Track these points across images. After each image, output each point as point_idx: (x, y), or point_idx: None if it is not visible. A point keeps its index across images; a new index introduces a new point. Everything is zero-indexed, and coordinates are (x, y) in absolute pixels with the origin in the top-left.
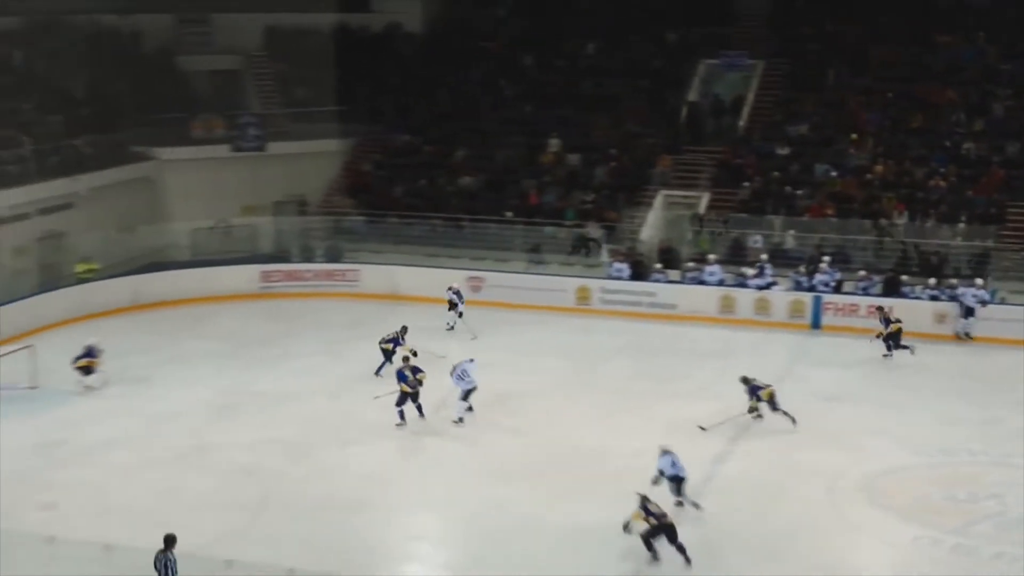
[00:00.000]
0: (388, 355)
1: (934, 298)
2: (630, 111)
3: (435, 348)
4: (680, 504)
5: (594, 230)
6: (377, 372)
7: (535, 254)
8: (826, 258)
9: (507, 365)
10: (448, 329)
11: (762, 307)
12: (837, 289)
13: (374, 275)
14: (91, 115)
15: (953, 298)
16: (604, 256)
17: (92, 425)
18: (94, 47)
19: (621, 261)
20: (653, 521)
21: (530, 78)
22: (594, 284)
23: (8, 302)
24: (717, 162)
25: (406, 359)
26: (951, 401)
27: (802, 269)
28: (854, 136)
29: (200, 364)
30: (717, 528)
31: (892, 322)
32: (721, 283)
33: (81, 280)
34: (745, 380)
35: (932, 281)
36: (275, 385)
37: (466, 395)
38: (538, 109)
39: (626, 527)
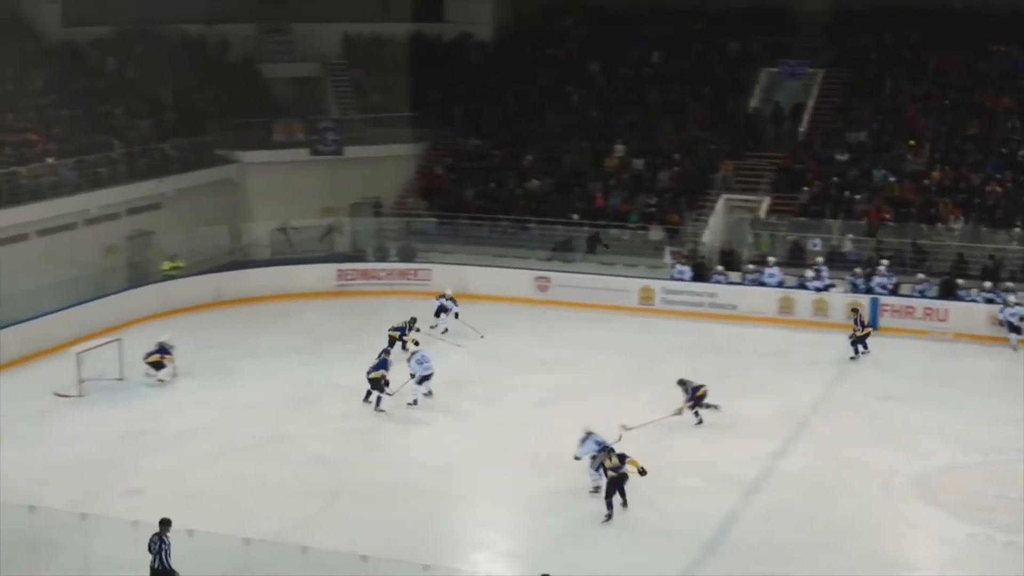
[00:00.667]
0: (392, 342)
1: (989, 301)
2: (693, 117)
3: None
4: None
5: (656, 233)
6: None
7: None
8: (884, 261)
9: (571, 362)
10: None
11: (820, 308)
12: (894, 291)
13: (445, 274)
14: (178, 120)
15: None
16: (666, 258)
17: (175, 416)
18: (182, 55)
19: (683, 263)
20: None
21: (596, 84)
22: (657, 285)
23: (98, 297)
24: (777, 167)
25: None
26: (1005, 401)
27: (858, 271)
28: (912, 142)
29: (278, 358)
30: (776, 522)
31: (865, 325)
32: (780, 285)
33: (167, 277)
34: (682, 382)
35: (988, 284)
36: (350, 379)
37: (422, 380)
38: (604, 115)
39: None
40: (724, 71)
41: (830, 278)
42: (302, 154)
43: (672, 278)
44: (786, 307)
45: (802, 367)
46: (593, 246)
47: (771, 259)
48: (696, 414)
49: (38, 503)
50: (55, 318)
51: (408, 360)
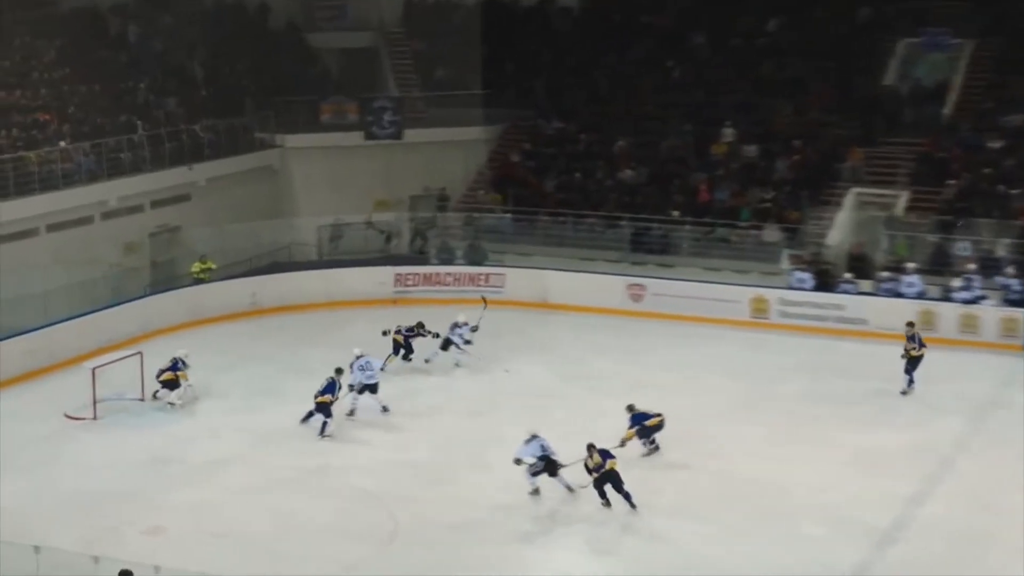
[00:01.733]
0: (397, 347)
1: None
2: (816, 97)
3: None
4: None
5: (772, 232)
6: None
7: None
8: None
9: (670, 386)
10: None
11: (969, 324)
12: None
13: (521, 280)
14: (210, 97)
15: None
16: (784, 262)
17: (204, 441)
18: (215, 22)
19: (804, 269)
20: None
21: (701, 58)
22: (772, 294)
23: (116, 304)
24: (917, 156)
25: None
26: None
27: (1010, 271)
28: None
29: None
30: None
31: (923, 346)
32: (921, 296)
33: (196, 280)
34: (630, 408)
35: None
36: (406, 402)
37: (363, 389)
38: (710, 94)
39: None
40: (853, 42)
41: (981, 288)
42: (354, 138)
43: (791, 287)
44: (927, 322)
45: (944, 394)
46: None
47: (910, 265)
48: (646, 444)
49: (44, 542)
50: (67, 327)
51: (350, 365)
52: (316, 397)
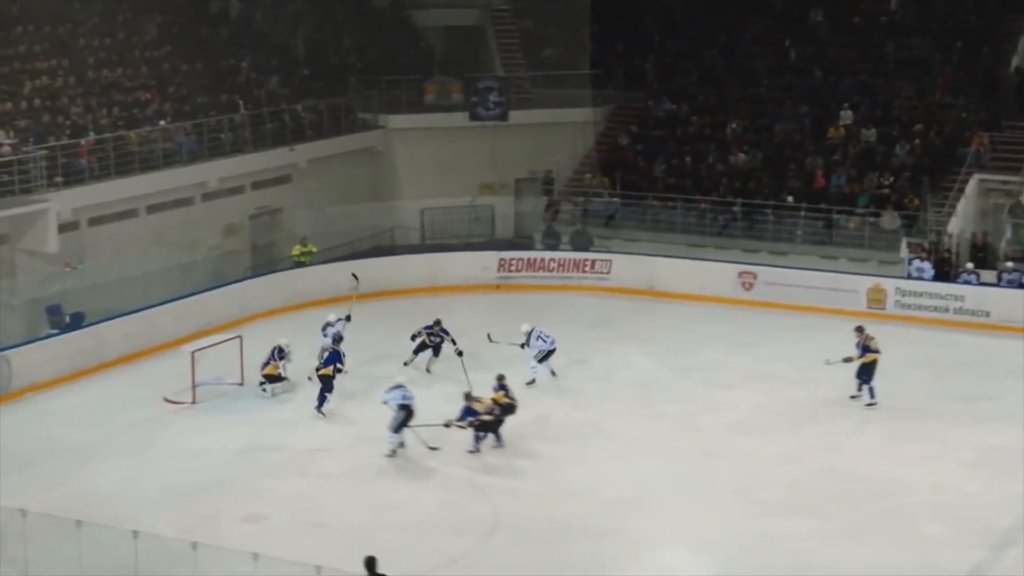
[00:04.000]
0: (423, 347)
1: None
2: (939, 78)
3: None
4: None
5: (890, 220)
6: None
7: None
8: None
9: (784, 378)
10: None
11: None
12: None
13: (628, 267)
14: (312, 77)
15: None
16: (903, 251)
17: (303, 429)
18: None
19: (923, 258)
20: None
21: (819, 38)
22: (890, 284)
23: (217, 287)
24: None
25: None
26: None
27: None
28: None
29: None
30: None
31: (871, 351)
32: None
33: (297, 264)
34: (467, 396)
35: None
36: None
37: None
38: (828, 75)
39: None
40: (978, 20)
41: None
42: (459, 119)
43: (909, 276)
44: None
45: None
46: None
47: None
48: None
49: (143, 527)
50: (166, 310)
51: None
52: (317, 370)
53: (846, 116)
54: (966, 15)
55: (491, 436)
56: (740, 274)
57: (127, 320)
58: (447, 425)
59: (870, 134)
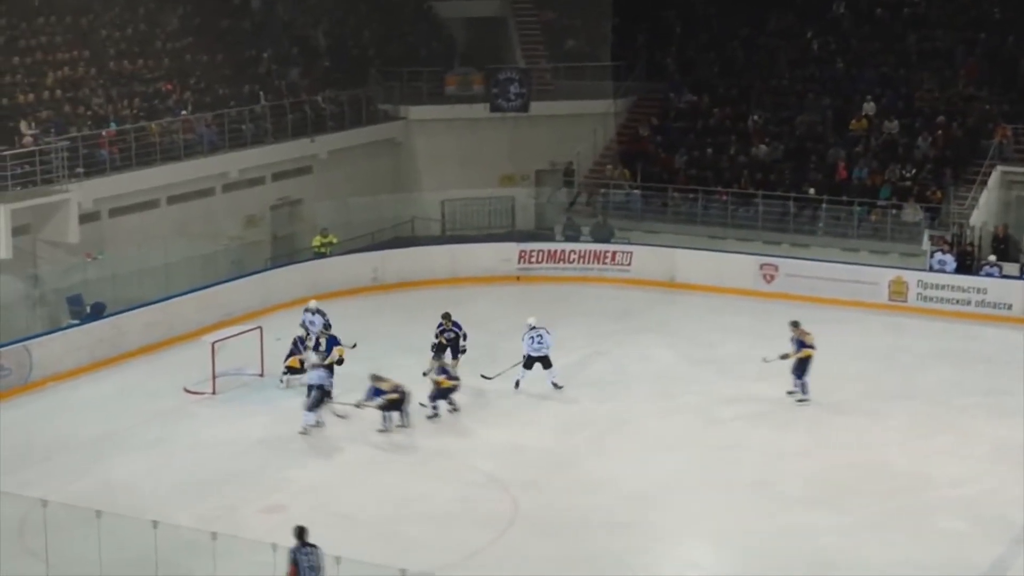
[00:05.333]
0: (440, 348)
1: None
2: (962, 70)
3: None
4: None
5: (913, 212)
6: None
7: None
8: None
9: None
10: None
11: None
12: None
13: (649, 258)
14: (333, 68)
15: None
16: (924, 244)
17: (323, 420)
18: None
19: (945, 250)
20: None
21: (841, 29)
22: (912, 277)
23: (237, 277)
24: None
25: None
26: None
27: None
28: None
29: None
30: None
31: (806, 346)
32: None
33: (317, 255)
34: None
35: None
36: (531, 383)
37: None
38: (850, 66)
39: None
40: (1002, 12)
41: None
42: (479, 110)
43: (931, 269)
44: None
45: None
46: None
47: None
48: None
49: (162, 517)
50: (187, 300)
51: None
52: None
53: (868, 108)
54: (989, 6)
55: (397, 415)
56: (761, 266)
57: (148, 310)
58: (358, 405)
59: (892, 126)
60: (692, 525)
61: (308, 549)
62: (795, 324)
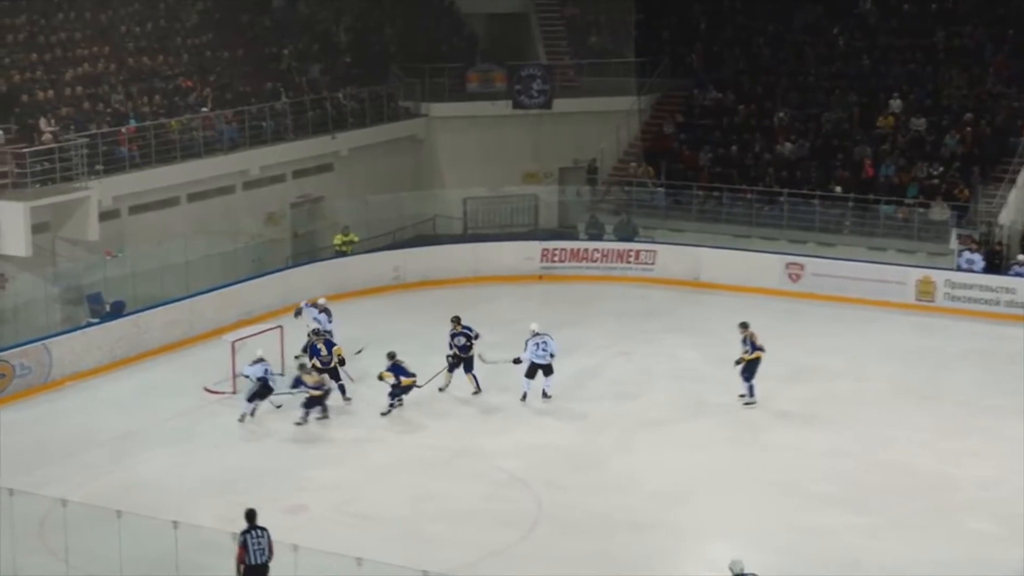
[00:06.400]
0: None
1: None
2: (991, 66)
3: None
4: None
5: (940, 210)
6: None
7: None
8: None
9: (828, 370)
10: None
11: None
12: None
13: (673, 257)
14: (354, 64)
15: None
16: (952, 243)
17: (346, 420)
18: None
19: (973, 250)
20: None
21: (868, 25)
22: (939, 276)
23: (257, 276)
24: None
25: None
26: None
27: None
28: None
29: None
30: None
31: (756, 348)
32: None
33: (338, 253)
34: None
35: None
36: (556, 383)
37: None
38: (877, 63)
39: None
40: None
41: None
42: (502, 107)
43: (959, 268)
44: None
45: None
46: None
47: None
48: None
49: (183, 517)
50: (207, 299)
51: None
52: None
53: (895, 105)
54: (1018, 2)
55: (318, 409)
56: (787, 265)
57: (168, 309)
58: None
59: (920, 123)
60: (717, 525)
61: (257, 532)
62: (744, 325)
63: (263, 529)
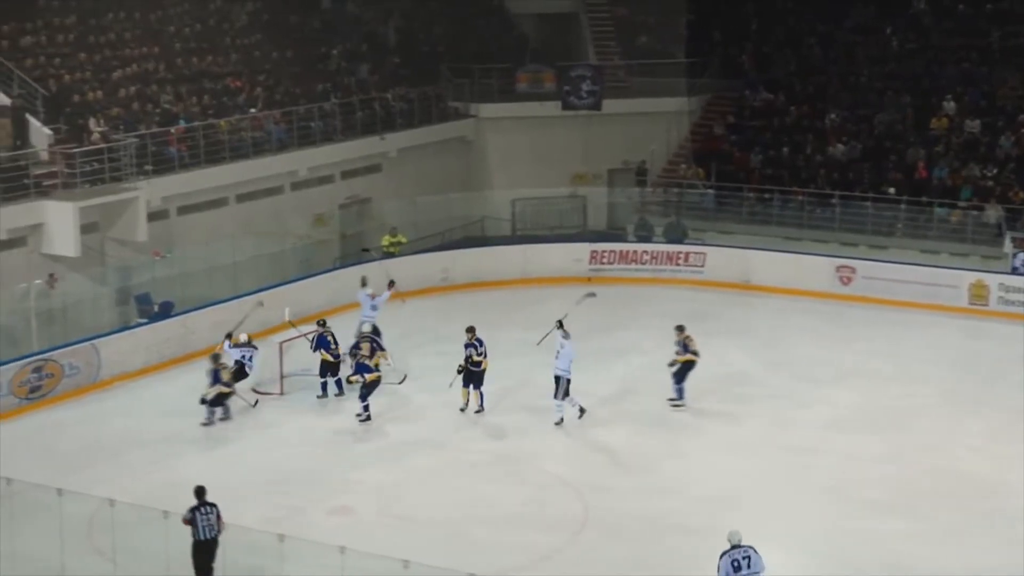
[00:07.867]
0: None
1: None
2: None
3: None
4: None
5: (994, 212)
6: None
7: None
8: None
9: (882, 375)
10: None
11: None
12: None
13: (723, 260)
14: (403, 65)
15: None
16: (1007, 245)
17: (393, 422)
18: None
19: None
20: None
21: (922, 25)
22: (993, 279)
23: (305, 276)
24: None
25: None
26: None
27: None
28: None
29: (516, 357)
30: None
31: (690, 351)
32: None
33: (387, 254)
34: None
35: None
36: (601, 385)
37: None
38: (931, 64)
39: None
40: None
41: None
42: (551, 108)
43: (1014, 271)
44: None
45: None
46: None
47: None
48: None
49: (230, 519)
50: (255, 300)
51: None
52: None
53: (949, 106)
54: None
55: (220, 410)
56: (838, 268)
57: (216, 309)
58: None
59: (974, 125)
60: (765, 529)
61: (206, 508)
62: (680, 328)
63: (212, 505)
